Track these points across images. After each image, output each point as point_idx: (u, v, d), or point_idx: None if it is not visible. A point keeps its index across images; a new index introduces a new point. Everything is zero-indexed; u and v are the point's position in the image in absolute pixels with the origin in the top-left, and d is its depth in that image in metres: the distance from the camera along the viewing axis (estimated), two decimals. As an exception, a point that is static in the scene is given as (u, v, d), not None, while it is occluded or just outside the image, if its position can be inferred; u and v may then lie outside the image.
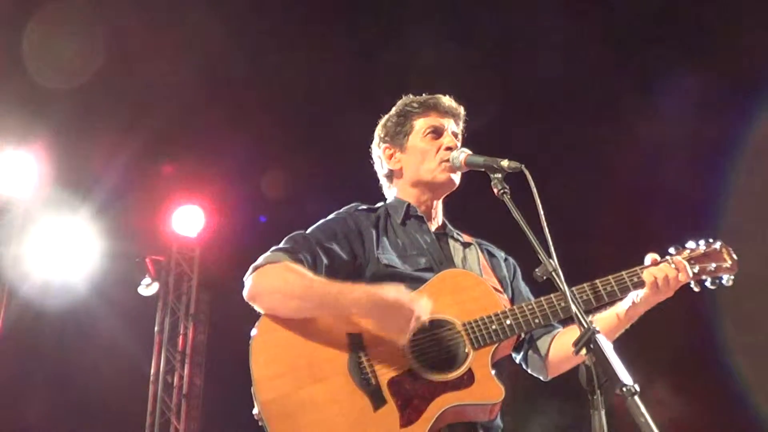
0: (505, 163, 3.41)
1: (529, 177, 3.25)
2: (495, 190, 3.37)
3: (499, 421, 3.56)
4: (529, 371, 3.97)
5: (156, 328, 11.91)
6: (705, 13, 10.54)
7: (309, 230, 3.79)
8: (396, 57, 10.57)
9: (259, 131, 10.99)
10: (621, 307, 3.69)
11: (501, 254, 4.12)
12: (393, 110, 4.13)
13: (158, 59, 10.26)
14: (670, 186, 10.89)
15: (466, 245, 3.96)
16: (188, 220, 11.84)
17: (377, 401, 3.31)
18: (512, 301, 3.90)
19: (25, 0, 9.73)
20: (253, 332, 3.51)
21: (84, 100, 10.32)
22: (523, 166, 3.33)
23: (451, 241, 3.95)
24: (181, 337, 11.95)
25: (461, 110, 4.08)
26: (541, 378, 3.94)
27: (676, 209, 10.71)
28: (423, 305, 3.37)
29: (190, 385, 11.70)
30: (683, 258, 3.67)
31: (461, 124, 4.07)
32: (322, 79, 10.93)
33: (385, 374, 3.36)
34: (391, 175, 4.10)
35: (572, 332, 3.67)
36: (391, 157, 4.05)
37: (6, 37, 9.83)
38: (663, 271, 3.59)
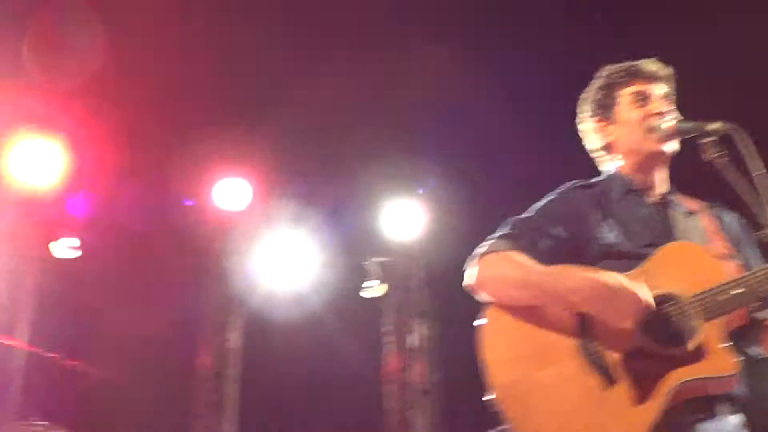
0: (715, 126, 3.31)
1: (741, 139, 3.14)
2: (707, 155, 3.28)
3: (738, 391, 3.42)
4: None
5: (386, 329, 12.12)
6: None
7: (528, 213, 3.78)
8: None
9: (478, 126, 10.98)
10: None
11: (734, 215, 3.91)
12: (596, 83, 4.04)
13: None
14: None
15: (689, 214, 3.81)
16: (407, 219, 12.01)
17: (608, 381, 3.28)
18: (745, 262, 3.72)
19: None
20: (481, 320, 3.55)
21: (293, 112, 10.61)
22: (735, 128, 3.23)
23: (672, 212, 3.81)
24: (411, 334, 12.11)
25: (668, 71, 3.93)
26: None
27: None
28: (645, 288, 3.30)
29: (425, 381, 11.84)
30: None
31: (671, 85, 3.92)
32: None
33: (614, 353, 3.32)
34: (604, 149, 4.00)
35: None
36: (601, 130, 3.97)
37: (205, 55, 10.26)
38: None
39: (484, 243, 3.70)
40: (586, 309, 3.38)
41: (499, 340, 3.50)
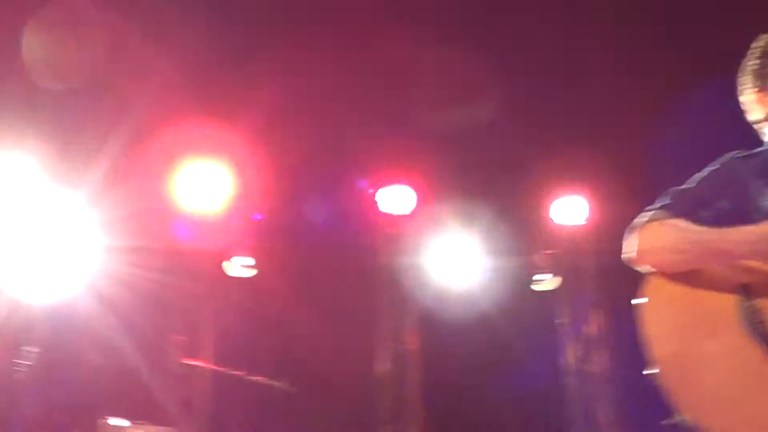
0: None
1: None
2: None
3: None
4: None
5: (561, 321, 12.04)
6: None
7: (686, 185, 3.69)
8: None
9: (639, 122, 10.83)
10: None
11: None
12: (754, 52, 3.86)
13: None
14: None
15: None
16: (574, 211, 11.93)
17: None
18: None
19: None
20: (640, 297, 3.48)
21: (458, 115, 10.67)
22: None
23: None
24: (587, 325, 11.99)
25: None
26: None
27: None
28: None
29: (605, 371, 11.71)
30: None
31: None
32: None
33: None
34: (766, 120, 3.83)
35: None
36: (761, 100, 3.80)
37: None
38: None
39: (643, 213, 3.65)
40: (755, 261, 3.28)
41: (659, 314, 3.41)
